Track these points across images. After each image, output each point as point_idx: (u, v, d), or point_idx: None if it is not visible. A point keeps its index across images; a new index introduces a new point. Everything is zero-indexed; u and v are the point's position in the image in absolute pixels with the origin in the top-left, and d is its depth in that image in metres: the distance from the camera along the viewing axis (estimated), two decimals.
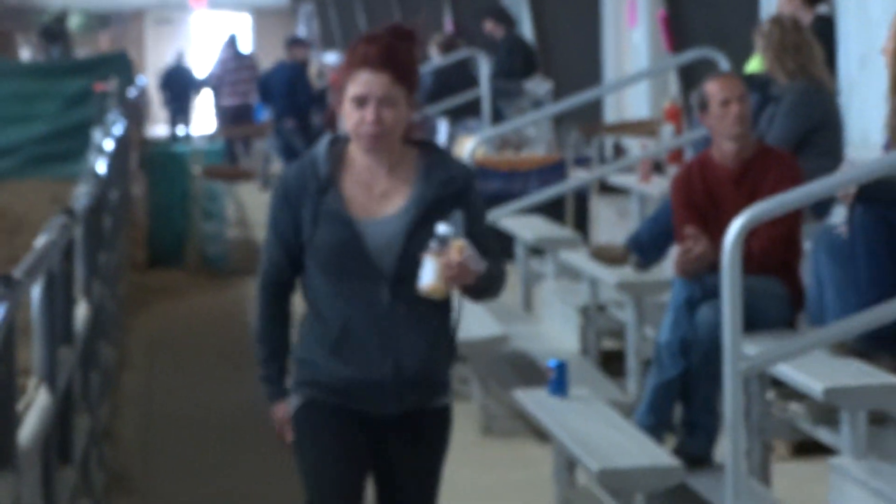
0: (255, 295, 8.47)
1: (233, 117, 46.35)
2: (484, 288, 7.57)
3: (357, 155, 7.88)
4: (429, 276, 6.87)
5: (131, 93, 36.10)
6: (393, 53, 7.68)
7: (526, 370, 17.20)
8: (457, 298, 8.17)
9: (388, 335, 7.41)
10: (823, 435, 13.22)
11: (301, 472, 7.54)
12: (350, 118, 7.65)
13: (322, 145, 7.94)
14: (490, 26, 33.92)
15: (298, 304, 8.41)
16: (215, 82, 53.06)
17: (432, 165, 7.83)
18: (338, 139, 7.96)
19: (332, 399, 7.42)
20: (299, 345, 7.94)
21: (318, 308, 7.42)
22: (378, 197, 7.66)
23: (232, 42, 51.40)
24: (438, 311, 7.75)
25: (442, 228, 6.95)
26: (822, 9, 18.59)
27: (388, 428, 7.26)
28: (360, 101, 7.53)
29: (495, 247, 7.85)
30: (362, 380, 7.34)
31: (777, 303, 13.41)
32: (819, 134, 15.50)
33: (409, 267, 7.46)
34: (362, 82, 7.52)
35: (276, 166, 39.59)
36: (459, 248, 6.77)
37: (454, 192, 7.82)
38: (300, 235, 7.68)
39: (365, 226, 7.47)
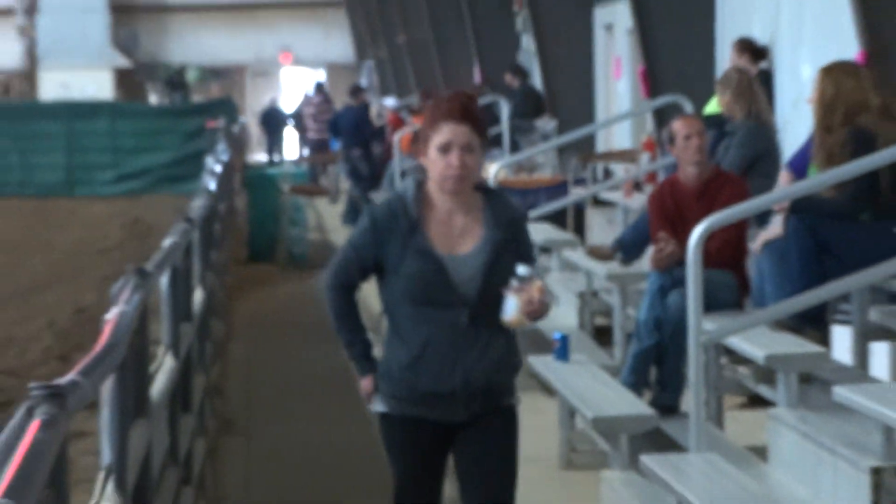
0: (324, 293, 8.09)
1: (316, 148, 46.32)
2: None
3: (437, 197, 7.43)
4: (512, 310, 6.57)
5: (235, 129, 35.97)
6: (470, 109, 7.36)
7: (537, 341, 17.16)
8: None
9: (461, 353, 7.06)
10: (764, 391, 13.22)
11: (389, 461, 7.43)
12: (436, 164, 7.30)
13: (410, 189, 7.57)
14: (509, 78, 33.91)
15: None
16: (301, 120, 53.55)
17: (497, 208, 7.46)
18: (421, 183, 7.54)
19: (408, 410, 7.13)
20: (381, 362, 7.68)
21: (400, 329, 7.11)
22: (457, 236, 7.27)
23: (320, 88, 51.44)
24: (505, 332, 7.39)
25: (521, 270, 6.67)
26: (763, 65, 18.54)
27: (459, 429, 6.98)
28: (445, 149, 7.18)
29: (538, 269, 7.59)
30: (435, 391, 7.00)
31: (729, 290, 13.42)
32: (762, 161, 15.49)
33: (488, 296, 7.15)
34: (447, 132, 7.18)
35: (344, 185, 39.07)
36: (540, 289, 6.45)
37: (515, 230, 7.54)
38: (379, 261, 7.35)
39: (448, 261, 7.11)
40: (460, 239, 7.17)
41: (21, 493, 3.62)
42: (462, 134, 7.11)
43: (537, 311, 6.72)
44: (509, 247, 7.36)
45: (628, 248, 15.49)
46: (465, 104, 7.29)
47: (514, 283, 6.61)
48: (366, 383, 7.53)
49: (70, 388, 4.77)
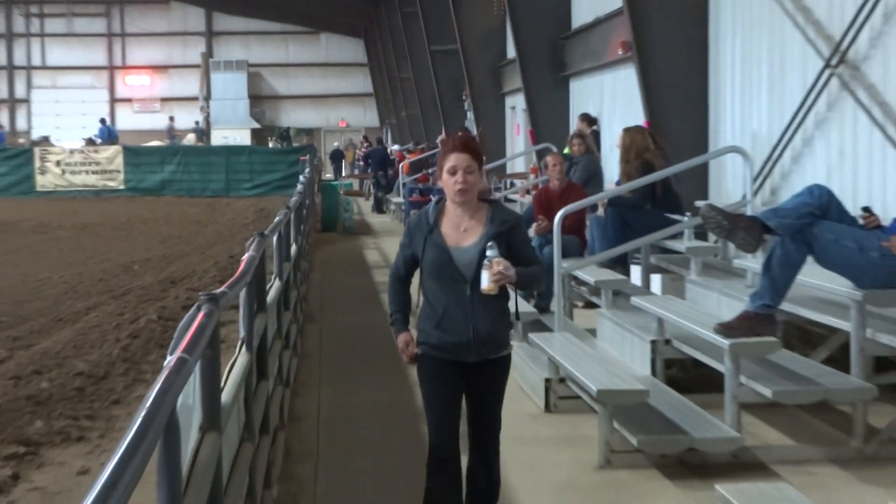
0: (389, 282, 7.12)
1: (361, 171, 46.48)
2: (526, 283, 6.70)
3: (451, 207, 6.69)
4: (484, 281, 6.20)
5: (315, 161, 35.83)
6: (469, 143, 6.71)
7: None
8: (513, 292, 7.04)
9: (469, 314, 6.42)
10: (594, 300, 13.18)
11: (422, 396, 6.71)
12: (447, 183, 6.63)
13: (432, 204, 6.89)
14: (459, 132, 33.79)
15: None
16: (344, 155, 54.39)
17: (495, 213, 6.66)
18: (440, 200, 6.86)
19: (438, 353, 6.50)
20: (420, 321, 6.78)
21: (429, 298, 6.56)
22: (462, 233, 6.56)
23: (364, 139, 51.92)
24: (498, 300, 6.60)
25: (489, 252, 6.22)
26: (594, 127, 18.42)
27: (472, 369, 6.43)
28: (452, 171, 6.50)
29: (536, 260, 6.89)
30: (455, 341, 6.41)
31: (575, 246, 13.34)
32: (593, 178, 15.44)
33: (481, 274, 6.42)
34: (453, 159, 6.53)
35: (373, 191, 38.92)
36: (497, 262, 6.09)
37: (507, 228, 6.65)
38: (415, 255, 6.68)
39: (454, 251, 6.48)
40: (465, 236, 6.55)
41: (193, 350, 3.57)
42: (463, 160, 6.51)
43: (499, 278, 6.23)
44: (500, 241, 6.56)
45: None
46: (465, 140, 6.78)
47: (485, 263, 6.24)
48: (403, 337, 6.78)
49: (221, 295, 4.72)
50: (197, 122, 63.86)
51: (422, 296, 6.78)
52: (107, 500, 2.05)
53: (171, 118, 63.08)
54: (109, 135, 55.54)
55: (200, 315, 4.15)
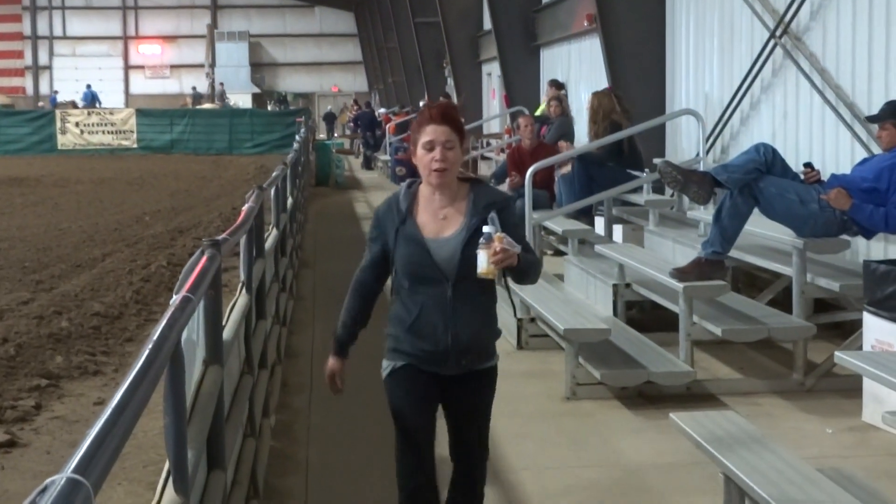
0: (350, 285, 5.51)
1: (352, 131, 46.21)
2: (524, 270, 5.21)
3: (426, 191, 5.22)
4: (482, 263, 4.85)
5: (310, 123, 35.69)
6: (449, 113, 5.14)
7: None
8: (508, 292, 5.65)
9: (449, 318, 5.03)
10: (563, 248, 13.13)
11: (392, 415, 5.27)
12: (422, 161, 5.14)
13: (402, 188, 5.38)
14: (441, 98, 33.59)
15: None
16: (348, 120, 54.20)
17: (478, 196, 5.19)
18: (412, 183, 5.37)
19: (412, 362, 5.12)
20: (389, 325, 5.31)
21: (402, 299, 5.14)
22: (441, 221, 5.13)
23: (354, 102, 51.72)
24: (484, 302, 5.26)
25: (486, 228, 4.85)
26: (562, 92, 18.30)
27: (452, 383, 5.08)
28: (429, 147, 5.02)
29: (528, 247, 5.39)
30: (431, 350, 5.04)
31: (545, 199, 13.31)
32: (565, 137, 15.32)
33: (464, 271, 5.02)
34: (430, 132, 5.04)
35: (362, 150, 38.86)
36: (500, 238, 4.79)
37: (496, 213, 5.12)
38: (386, 250, 5.21)
39: (432, 244, 5.06)
40: (445, 225, 5.09)
41: (196, 290, 3.55)
42: (442, 133, 5.00)
43: (502, 258, 4.85)
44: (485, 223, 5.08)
45: (498, 178, 15.28)
46: (445, 110, 5.20)
47: (482, 241, 4.86)
48: (331, 364, 5.45)
49: (223, 241, 4.69)
50: (219, 85, 62.93)
51: (393, 294, 5.30)
52: (117, 422, 2.04)
53: (222, 84, 62.51)
54: (93, 99, 55.87)
55: (203, 259, 4.12)
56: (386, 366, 5.10)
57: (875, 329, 7.54)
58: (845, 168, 9.55)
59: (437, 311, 4.92)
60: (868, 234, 8.65)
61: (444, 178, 4.88)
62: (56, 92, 60.15)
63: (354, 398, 8.56)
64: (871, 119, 8.83)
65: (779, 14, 12.10)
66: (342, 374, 5.36)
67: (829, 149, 11.10)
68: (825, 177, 8.82)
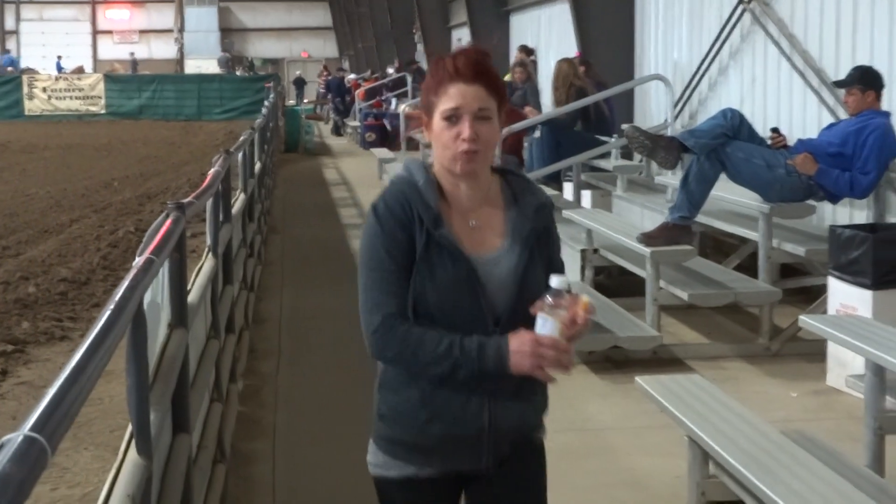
0: (376, 343, 3.20)
1: (322, 97, 45.95)
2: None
3: (448, 183, 3.24)
4: (545, 330, 3.01)
5: (279, 88, 35.51)
6: (483, 65, 3.24)
7: None
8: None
9: (490, 383, 3.13)
10: None
11: None
12: (441, 139, 3.17)
13: (416, 171, 3.24)
14: (413, 66, 33.36)
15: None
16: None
17: (520, 194, 3.32)
18: (426, 166, 3.32)
19: (418, 462, 3.22)
20: (382, 394, 3.30)
21: None
22: (473, 230, 3.25)
23: (324, 68, 51.62)
24: None
25: (556, 281, 3.07)
26: (532, 57, 18.29)
27: (476, 478, 3.33)
28: (454, 117, 3.12)
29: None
30: (457, 434, 3.19)
31: (514, 164, 13.29)
32: (531, 101, 15.29)
33: (521, 309, 3.13)
34: (455, 96, 3.13)
35: (331, 116, 38.70)
36: (586, 306, 3.06)
37: (545, 222, 3.36)
38: (405, 267, 3.16)
39: (477, 262, 3.16)
40: (480, 233, 3.23)
41: (160, 252, 3.54)
42: (474, 97, 3.13)
43: (581, 332, 3.06)
44: (540, 243, 3.28)
45: None
46: (478, 59, 3.21)
47: (548, 299, 3.04)
48: (518, 337, 2.98)
49: (188, 204, 4.66)
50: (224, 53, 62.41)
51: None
52: (76, 381, 2.03)
53: (228, 52, 62.08)
54: (11, 63, 55.39)
55: (168, 222, 4.10)
56: (378, 462, 3.21)
57: (840, 294, 7.59)
58: (812, 133, 9.58)
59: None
60: (834, 199, 8.69)
61: (474, 163, 3.03)
62: (8, 51, 59.50)
63: (322, 362, 8.61)
64: (839, 84, 8.86)
65: None
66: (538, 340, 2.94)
67: (796, 114, 11.14)
68: (792, 142, 8.85)
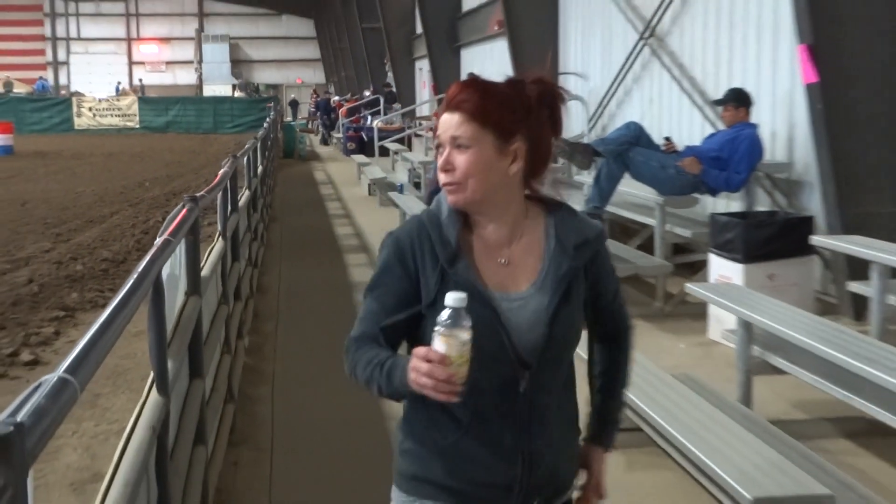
0: (346, 363, 2.20)
1: (312, 115, 45.62)
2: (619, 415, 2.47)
3: (473, 217, 2.21)
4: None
5: (278, 108, 35.27)
6: (473, 92, 2.13)
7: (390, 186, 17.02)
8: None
9: (523, 428, 2.14)
10: None
11: None
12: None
13: (443, 201, 2.20)
14: (385, 89, 33.22)
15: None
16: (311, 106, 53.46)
17: (563, 229, 2.21)
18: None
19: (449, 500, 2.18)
20: (407, 436, 2.26)
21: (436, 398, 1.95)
22: (504, 268, 2.17)
23: (314, 92, 51.21)
24: (569, 399, 2.31)
25: (450, 300, 1.87)
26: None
27: None
28: (439, 147, 2.19)
29: (622, 306, 2.44)
30: (488, 482, 2.15)
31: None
32: None
33: (553, 353, 2.17)
34: (439, 124, 2.18)
35: (320, 130, 38.46)
36: (598, 489, 2.36)
37: (587, 259, 2.22)
38: (411, 301, 2.15)
39: (502, 302, 2.12)
40: (510, 270, 2.19)
41: (176, 234, 3.49)
42: (449, 125, 2.15)
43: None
44: (580, 280, 2.24)
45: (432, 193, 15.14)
46: (469, 86, 2.16)
47: (442, 318, 1.89)
48: (415, 353, 1.93)
49: (200, 197, 4.61)
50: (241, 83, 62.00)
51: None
52: (104, 333, 2.00)
53: (240, 79, 61.38)
54: (44, 88, 54.23)
55: (184, 211, 4.05)
56: (403, 501, 2.30)
57: (718, 266, 7.64)
58: (696, 141, 9.61)
59: (501, 415, 2.18)
60: (714, 193, 8.73)
61: (457, 195, 2.17)
62: (42, 78, 58.42)
63: (312, 322, 8.57)
64: (717, 102, 8.89)
65: (646, 20, 12.13)
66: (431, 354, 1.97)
67: (684, 126, 11.17)
68: (681, 148, 8.89)
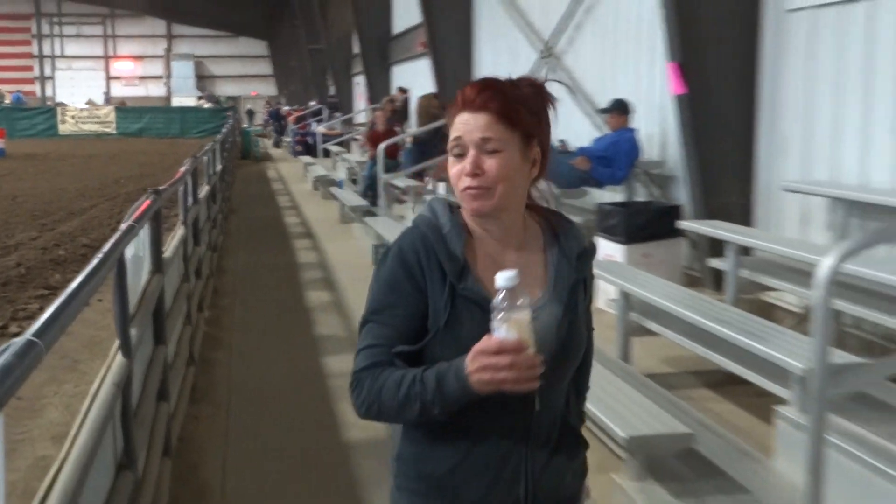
0: (356, 395, 1.67)
1: (266, 122, 44.97)
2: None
3: (475, 225, 1.69)
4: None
5: (237, 117, 34.79)
6: (497, 92, 1.67)
7: (332, 181, 16.87)
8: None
9: (526, 451, 1.65)
10: (404, 198, 12.98)
11: None
12: (450, 175, 1.69)
13: (441, 212, 1.72)
14: (328, 101, 32.79)
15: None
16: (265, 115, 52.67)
17: (563, 237, 1.75)
18: (452, 205, 1.74)
19: None
20: (404, 461, 1.74)
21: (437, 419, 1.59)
22: None
23: (267, 102, 50.50)
24: (580, 414, 1.86)
25: (503, 280, 1.48)
26: (405, 95, 18.08)
27: None
28: (458, 148, 1.66)
29: (590, 332, 1.83)
30: (489, 499, 1.65)
31: (393, 165, 13.11)
32: (399, 122, 15.14)
33: (563, 367, 1.68)
34: (458, 126, 1.66)
35: (272, 135, 37.96)
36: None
37: (587, 271, 1.76)
38: (416, 319, 1.63)
39: None
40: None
41: (140, 220, 3.42)
42: (477, 126, 1.64)
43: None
44: (581, 294, 1.76)
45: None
46: (488, 86, 1.69)
47: (499, 301, 1.51)
48: (474, 349, 1.51)
49: (163, 190, 4.54)
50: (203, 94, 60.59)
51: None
52: (70, 303, 1.97)
53: (205, 92, 59.95)
54: (19, 100, 51.82)
55: (147, 201, 3.99)
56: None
57: (604, 247, 7.72)
58: (586, 143, 9.69)
59: (505, 437, 1.72)
60: (601, 186, 8.81)
61: (482, 202, 1.71)
62: (18, 91, 56.34)
63: (264, 298, 8.49)
64: (603, 111, 8.97)
65: (546, 42, 12.19)
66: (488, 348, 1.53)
67: (577, 130, 11.27)
68: (573, 148, 8.96)
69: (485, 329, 1.55)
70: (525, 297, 1.52)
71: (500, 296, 1.50)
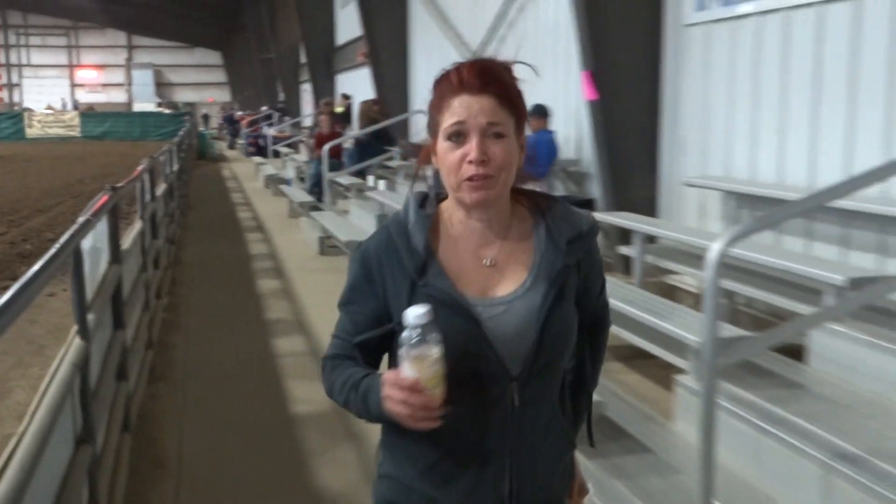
0: (324, 373, 1.52)
1: (220, 125, 44.22)
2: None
3: (456, 215, 1.41)
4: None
5: (194, 121, 34.17)
6: (495, 73, 1.38)
7: (281, 181, 16.66)
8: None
9: (508, 448, 1.36)
10: (347, 194, 12.86)
11: None
12: (445, 161, 1.35)
13: (412, 205, 1.45)
14: (278, 106, 32.40)
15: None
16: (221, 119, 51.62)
17: (552, 221, 1.41)
18: (426, 197, 1.44)
19: None
20: (385, 457, 1.50)
21: None
22: (487, 270, 1.36)
23: (223, 107, 49.67)
24: (565, 413, 1.48)
25: (412, 317, 1.28)
26: (349, 100, 17.93)
27: None
28: (459, 135, 1.33)
29: (606, 306, 1.57)
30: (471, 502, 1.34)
31: (337, 164, 13.00)
32: (341, 125, 15.01)
33: (545, 360, 1.34)
34: (458, 109, 1.34)
35: (227, 137, 37.36)
36: (581, 487, 1.56)
37: (580, 255, 1.41)
38: (384, 316, 1.41)
39: (483, 310, 1.32)
40: (496, 274, 1.38)
41: (97, 214, 3.35)
42: (481, 110, 1.33)
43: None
44: (572, 280, 1.41)
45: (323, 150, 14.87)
46: (487, 68, 1.39)
47: (406, 337, 1.28)
48: (384, 378, 1.34)
49: (121, 187, 4.44)
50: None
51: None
52: (25, 290, 1.91)
53: (164, 99, 58.52)
54: None
55: (105, 197, 3.90)
56: None
57: None
58: None
59: (486, 433, 1.44)
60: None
61: (486, 190, 1.43)
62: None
63: (218, 286, 8.37)
64: None
65: (473, 52, 12.22)
66: (400, 381, 1.33)
67: None
68: None
69: (452, 324, 1.37)
70: (436, 333, 1.30)
71: (408, 331, 1.31)
